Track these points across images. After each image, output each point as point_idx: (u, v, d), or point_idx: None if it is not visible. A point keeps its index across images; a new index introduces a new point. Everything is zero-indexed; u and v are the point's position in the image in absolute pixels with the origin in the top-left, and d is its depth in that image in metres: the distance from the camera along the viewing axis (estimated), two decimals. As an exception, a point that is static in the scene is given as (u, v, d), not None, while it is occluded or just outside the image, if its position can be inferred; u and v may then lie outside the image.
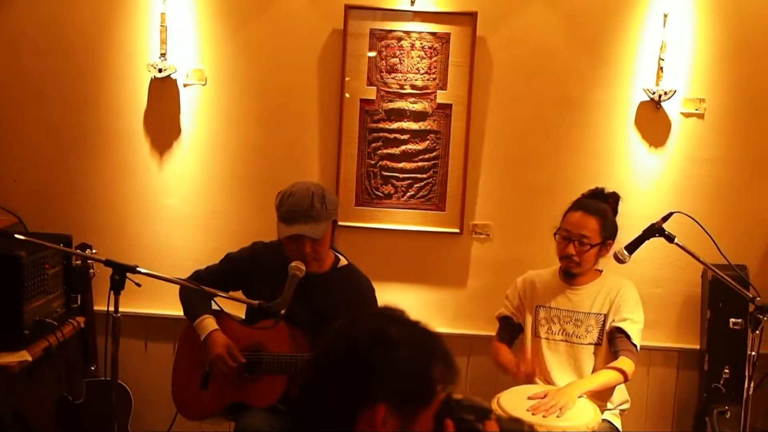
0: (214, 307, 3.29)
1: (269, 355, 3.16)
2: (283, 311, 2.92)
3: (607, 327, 3.36)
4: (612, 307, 3.37)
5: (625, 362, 3.25)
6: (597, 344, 3.39)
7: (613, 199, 3.49)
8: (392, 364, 1.52)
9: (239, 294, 3.27)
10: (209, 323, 3.23)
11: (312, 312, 3.15)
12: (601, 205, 3.42)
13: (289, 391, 3.12)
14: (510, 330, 3.61)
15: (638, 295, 3.42)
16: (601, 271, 3.50)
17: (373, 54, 3.95)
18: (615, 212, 3.47)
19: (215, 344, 3.18)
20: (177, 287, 3.32)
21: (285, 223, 3.11)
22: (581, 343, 3.40)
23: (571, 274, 3.43)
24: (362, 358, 1.53)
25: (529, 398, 3.14)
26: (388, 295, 3.86)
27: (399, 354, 1.53)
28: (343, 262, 3.36)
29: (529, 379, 3.31)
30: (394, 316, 1.61)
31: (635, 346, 3.29)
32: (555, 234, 3.42)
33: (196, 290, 3.20)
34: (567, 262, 3.39)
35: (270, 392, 3.15)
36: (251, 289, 3.27)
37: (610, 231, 3.37)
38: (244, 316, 3.42)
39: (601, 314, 3.39)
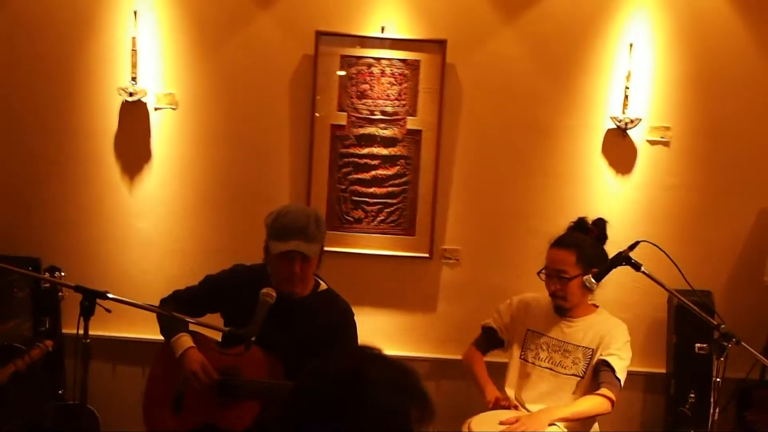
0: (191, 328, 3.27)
1: (243, 381, 3.15)
2: (253, 338, 2.91)
3: (594, 361, 3.34)
4: (601, 343, 3.33)
5: (606, 393, 3.22)
6: (581, 377, 3.36)
7: (597, 226, 3.45)
8: (371, 404, 1.52)
9: (215, 317, 3.24)
10: (185, 341, 3.19)
11: (291, 335, 3.11)
12: (577, 236, 3.40)
13: (261, 416, 3.11)
14: (491, 341, 3.61)
15: (629, 337, 3.39)
16: (597, 306, 3.48)
17: (343, 73, 3.99)
18: (603, 238, 3.43)
19: (190, 361, 3.14)
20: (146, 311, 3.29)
21: (280, 240, 3.04)
22: (565, 374, 3.37)
23: (562, 310, 3.42)
24: (341, 398, 1.53)
25: (501, 423, 3.15)
26: (358, 319, 3.87)
27: (377, 394, 1.53)
28: (323, 286, 3.33)
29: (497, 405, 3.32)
30: (373, 355, 1.61)
31: (619, 380, 3.26)
32: (539, 273, 3.40)
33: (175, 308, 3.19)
34: (555, 299, 3.39)
35: (243, 417, 3.13)
36: (229, 312, 3.24)
37: (589, 261, 3.31)
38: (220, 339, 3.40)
39: (590, 348, 3.36)
